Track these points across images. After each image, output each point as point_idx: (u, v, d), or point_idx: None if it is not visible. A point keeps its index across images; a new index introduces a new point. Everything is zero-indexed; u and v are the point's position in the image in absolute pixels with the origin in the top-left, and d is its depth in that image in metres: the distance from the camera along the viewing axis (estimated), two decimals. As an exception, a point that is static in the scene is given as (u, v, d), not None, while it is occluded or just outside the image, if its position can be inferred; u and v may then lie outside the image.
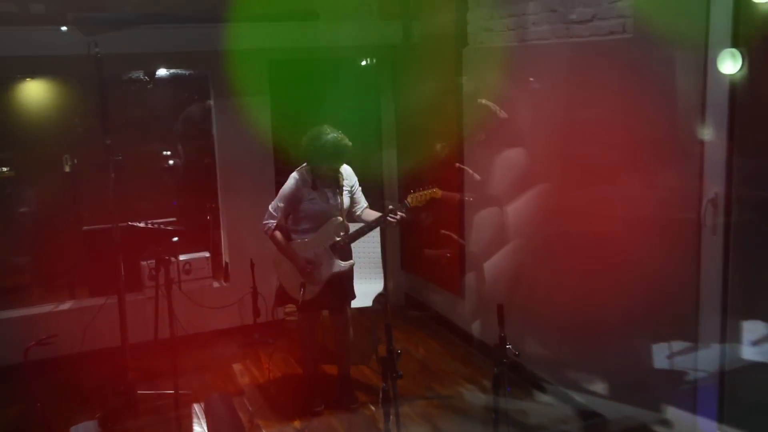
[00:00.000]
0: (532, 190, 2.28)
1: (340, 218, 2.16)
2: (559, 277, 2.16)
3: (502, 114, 2.34)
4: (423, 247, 2.95)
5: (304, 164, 2.18)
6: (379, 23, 2.94)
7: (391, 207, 2.09)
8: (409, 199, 2.12)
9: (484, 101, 2.41)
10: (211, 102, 2.88)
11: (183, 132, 3.20)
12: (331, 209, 2.15)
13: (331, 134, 2.09)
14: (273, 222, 2.16)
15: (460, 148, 2.60)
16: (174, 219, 2.70)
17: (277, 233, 2.15)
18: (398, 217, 2.07)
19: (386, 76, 3.12)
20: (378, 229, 2.66)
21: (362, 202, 2.24)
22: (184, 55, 2.70)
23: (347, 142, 2.10)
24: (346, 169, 2.20)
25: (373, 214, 2.19)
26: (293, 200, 2.15)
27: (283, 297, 2.23)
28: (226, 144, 2.86)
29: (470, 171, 2.59)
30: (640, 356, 1.88)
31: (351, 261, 2.21)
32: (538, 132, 2.22)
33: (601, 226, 1.98)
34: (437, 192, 2.14)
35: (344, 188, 2.18)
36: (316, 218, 2.15)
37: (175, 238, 2.27)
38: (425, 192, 2.13)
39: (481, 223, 2.58)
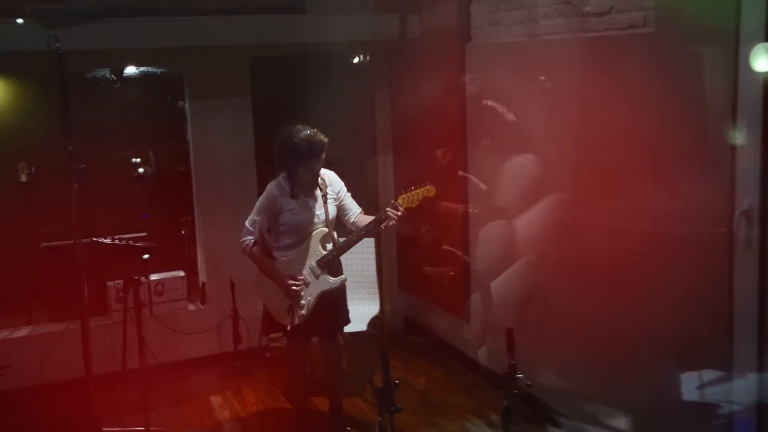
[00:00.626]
0: (545, 200, 2.28)
1: (326, 229, 2.13)
2: (576, 298, 2.16)
3: (510, 116, 2.35)
4: (423, 265, 2.94)
5: (282, 173, 2.16)
6: (373, 17, 2.94)
7: (389, 208, 2.05)
8: (399, 200, 2.08)
9: (489, 102, 2.41)
10: (186, 103, 2.87)
11: (154, 137, 3.19)
12: (314, 219, 2.13)
13: (303, 131, 2.07)
14: (251, 238, 2.14)
15: (463, 155, 2.60)
16: (144, 234, 2.69)
17: (256, 250, 2.13)
18: (399, 213, 2.04)
19: (381, 75, 3.12)
20: (373, 245, 2.67)
21: (354, 208, 2.20)
22: (156, 51, 2.69)
23: (322, 137, 2.08)
24: (328, 174, 2.18)
25: (369, 220, 2.14)
26: (271, 212, 2.13)
27: (270, 322, 2.20)
28: (202, 150, 2.84)
29: (475, 179, 2.59)
30: (668, 387, 1.87)
31: (342, 276, 2.17)
32: (551, 136, 2.22)
33: (622, 241, 1.98)
34: (431, 190, 2.09)
35: (328, 195, 2.15)
36: (299, 231, 2.13)
37: (146, 256, 2.25)
38: (418, 191, 2.08)
39: (487, 237, 2.57)
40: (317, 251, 2.11)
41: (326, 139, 2.09)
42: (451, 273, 2.76)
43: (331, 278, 2.13)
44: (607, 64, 1.99)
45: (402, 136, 3.09)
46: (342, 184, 2.20)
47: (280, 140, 2.10)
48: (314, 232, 2.13)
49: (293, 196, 2.12)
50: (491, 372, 2.51)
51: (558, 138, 2.16)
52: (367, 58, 3.20)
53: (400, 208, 2.05)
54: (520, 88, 2.29)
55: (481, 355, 2.64)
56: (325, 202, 2.13)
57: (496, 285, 2.53)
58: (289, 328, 2.09)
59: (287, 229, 2.13)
